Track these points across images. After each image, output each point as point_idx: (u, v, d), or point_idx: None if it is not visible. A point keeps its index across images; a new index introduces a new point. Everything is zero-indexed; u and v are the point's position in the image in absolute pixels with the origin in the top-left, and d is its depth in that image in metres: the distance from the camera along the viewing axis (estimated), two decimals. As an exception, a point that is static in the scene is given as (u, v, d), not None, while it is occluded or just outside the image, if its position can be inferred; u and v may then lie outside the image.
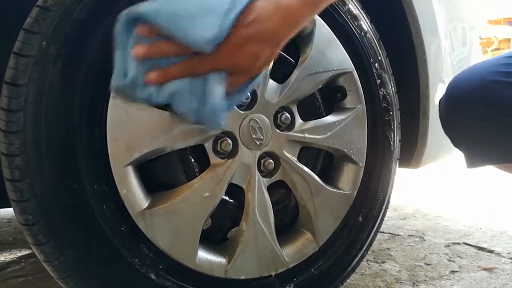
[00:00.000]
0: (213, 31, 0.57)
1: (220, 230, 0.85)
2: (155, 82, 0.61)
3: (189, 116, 0.66)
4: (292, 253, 0.87)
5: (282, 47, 0.63)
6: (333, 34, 0.89)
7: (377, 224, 1.00)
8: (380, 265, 1.28)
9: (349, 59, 0.92)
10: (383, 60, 0.98)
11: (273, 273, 0.85)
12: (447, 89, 0.88)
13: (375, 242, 1.03)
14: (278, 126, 0.84)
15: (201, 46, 0.58)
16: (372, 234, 0.99)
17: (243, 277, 0.81)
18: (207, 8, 0.58)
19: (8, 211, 1.92)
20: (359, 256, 0.97)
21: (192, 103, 0.63)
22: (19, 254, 1.49)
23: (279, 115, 0.84)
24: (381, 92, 0.97)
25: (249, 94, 0.79)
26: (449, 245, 1.48)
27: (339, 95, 0.94)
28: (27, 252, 1.50)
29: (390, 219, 1.85)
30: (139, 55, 0.59)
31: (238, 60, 0.61)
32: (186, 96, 0.62)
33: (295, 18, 0.61)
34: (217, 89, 0.62)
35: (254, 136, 0.80)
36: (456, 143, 0.91)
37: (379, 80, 0.97)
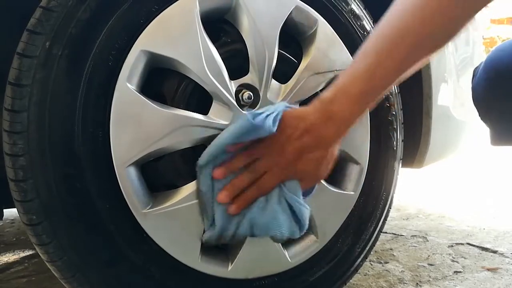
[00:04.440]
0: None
1: (223, 230, 0.86)
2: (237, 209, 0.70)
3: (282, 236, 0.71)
4: (295, 253, 0.87)
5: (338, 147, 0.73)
6: (336, 34, 0.89)
7: (380, 225, 1.00)
8: (383, 266, 1.28)
9: (352, 59, 0.92)
10: (385, 60, 0.98)
11: (275, 273, 0.85)
12: (486, 63, 0.85)
13: (378, 243, 1.02)
14: (280, 126, 0.84)
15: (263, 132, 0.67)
16: (375, 234, 0.99)
17: (245, 277, 0.81)
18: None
19: (11, 212, 1.93)
20: (362, 256, 0.97)
21: (287, 226, 0.71)
22: (22, 254, 1.50)
23: (281, 115, 0.84)
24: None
25: (251, 93, 0.79)
26: (452, 246, 1.47)
27: (341, 95, 0.94)
28: (30, 252, 1.50)
29: (393, 219, 1.84)
30: (223, 200, 0.70)
31: (301, 167, 0.69)
32: (276, 222, 0.70)
33: (346, 125, 0.70)
34: (297, 193, 0.70)
35: (256, 136, 0.80)
36: (489, 118, 0.88)
37: (382, 80, 0.97)
